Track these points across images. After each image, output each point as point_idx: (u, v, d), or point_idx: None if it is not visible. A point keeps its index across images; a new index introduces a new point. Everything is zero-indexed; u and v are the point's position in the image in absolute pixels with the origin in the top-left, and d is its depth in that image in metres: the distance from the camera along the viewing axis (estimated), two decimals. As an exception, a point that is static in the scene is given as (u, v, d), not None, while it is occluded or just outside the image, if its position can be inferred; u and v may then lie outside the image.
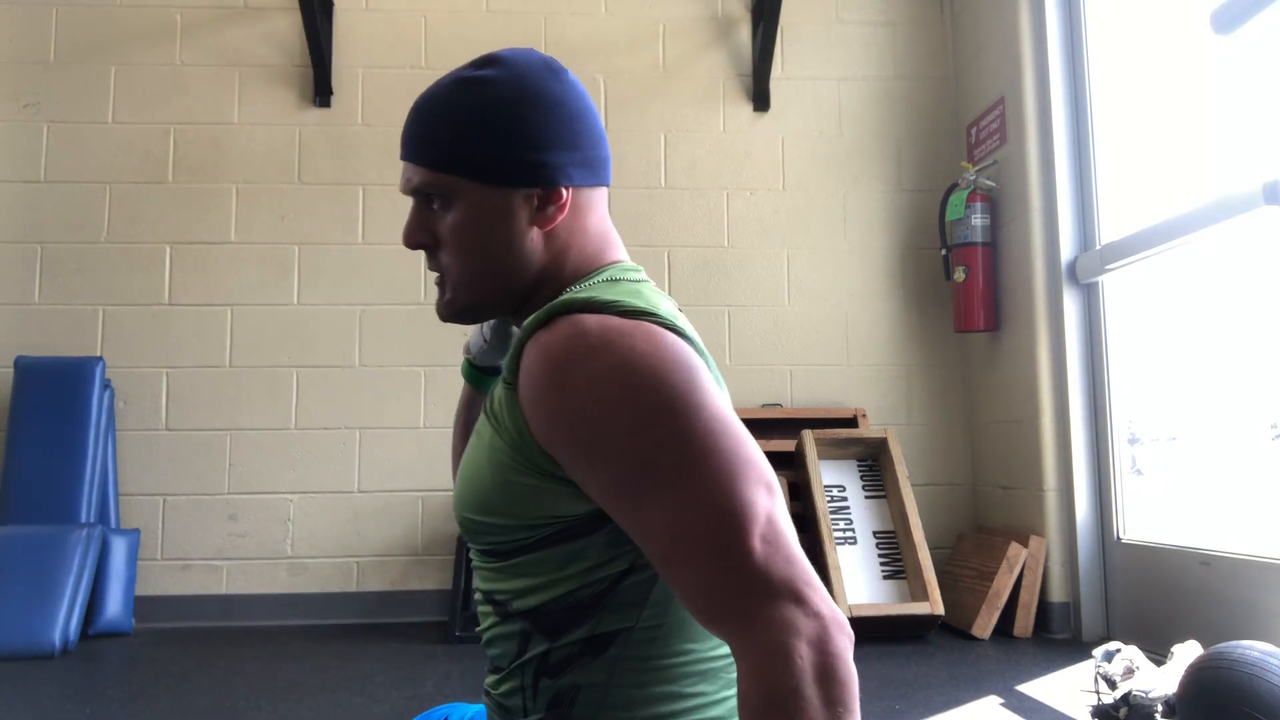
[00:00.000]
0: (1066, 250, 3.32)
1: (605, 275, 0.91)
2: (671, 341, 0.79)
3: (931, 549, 3.44)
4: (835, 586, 3.13)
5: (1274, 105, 2.58)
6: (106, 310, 3.64)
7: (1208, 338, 3.06)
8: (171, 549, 3.57)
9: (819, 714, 0.67)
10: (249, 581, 3.58)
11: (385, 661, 2.91)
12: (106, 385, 3.52)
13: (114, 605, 3.33)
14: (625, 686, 0.83)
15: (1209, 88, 2.96)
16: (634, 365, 0.76)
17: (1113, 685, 2.39)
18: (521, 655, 0.87)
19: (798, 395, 3.85)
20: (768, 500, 0.74)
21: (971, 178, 3.62)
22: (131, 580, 3.40)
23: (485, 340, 1.05)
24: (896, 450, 3.46)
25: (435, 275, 0.95)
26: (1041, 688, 2.57)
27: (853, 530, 3.39)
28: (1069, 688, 2.56)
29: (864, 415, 3.76)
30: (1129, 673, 2.38)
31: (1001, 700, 2.45)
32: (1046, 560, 3.27)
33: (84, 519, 3.34)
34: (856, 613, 3.08)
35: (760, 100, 3.93)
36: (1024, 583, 3.23)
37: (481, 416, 0.91)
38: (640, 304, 0.81)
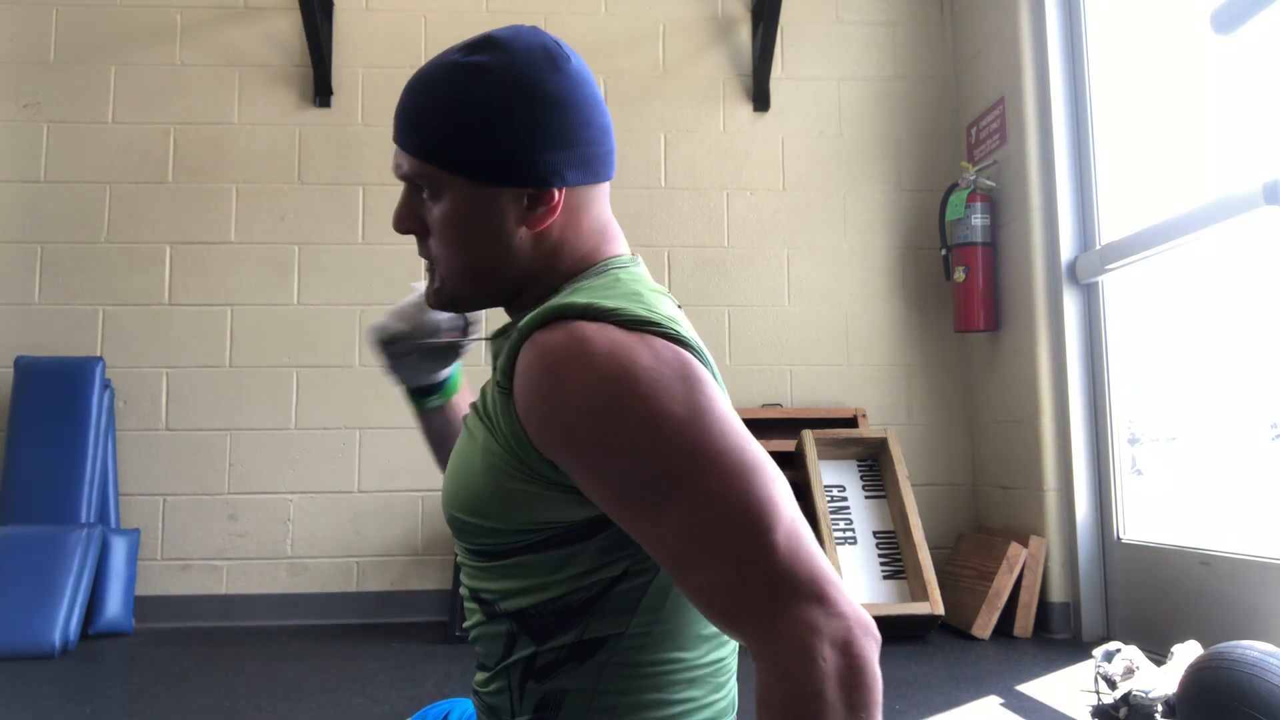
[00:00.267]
0: (1066, 250, 3.32)
1: (602, 274, 0.89)
2: (674, 351, 0.77)
3: (931, 549, 3.44)
4: (835, 586, 3.13)
5: (1274, 105, 2.58)
6: (106, 310, 3.64)
7: (1208, 338, 3.06)
8: (171, 549, 3.57)
9: (840, 713, 0.66)
10: (249, 581, 3.58)
11: (385, 661, 2.91)
12: (106, 385, 3.52)
13: (114, 605, 3.33)
14: (612, 692, 0.82)
15: (1209, 88, 2.96)
16: (636, 374, 0.74)
17: (1113, 685, 2.39)
18: (508, 656, 0.86)
19: (798, 395, 3.85)
20: (787, 499, 0.73)
21: (971, 178, 3.62)
22: (131, 580, 3.40)
23: (399, 361, 1.07)
24: (896, 450, 3.46)
25: (425, 261, 0.93)
26: (1041, 688, 2.57)
27: (853, 530, 3.39)
28: (1069, 688, 2.56)
29: (864, 415, 3.76)
30: (1129, 673, 2.38)
31: (1001, 700, 2.45)
32: (1046, 560, 3.27)
33: (84, 519, 3.34)
34: (856, 613, 3.07)
35: (760, 100, 3.93)
36: (1024, 583, 3.22)
37: (471, 415, 0.89)
38: (642, 312, 0.79)
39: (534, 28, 0.90)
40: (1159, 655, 2.64)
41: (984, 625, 3.17)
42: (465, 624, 0.93)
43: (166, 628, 3.46)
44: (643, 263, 0.96)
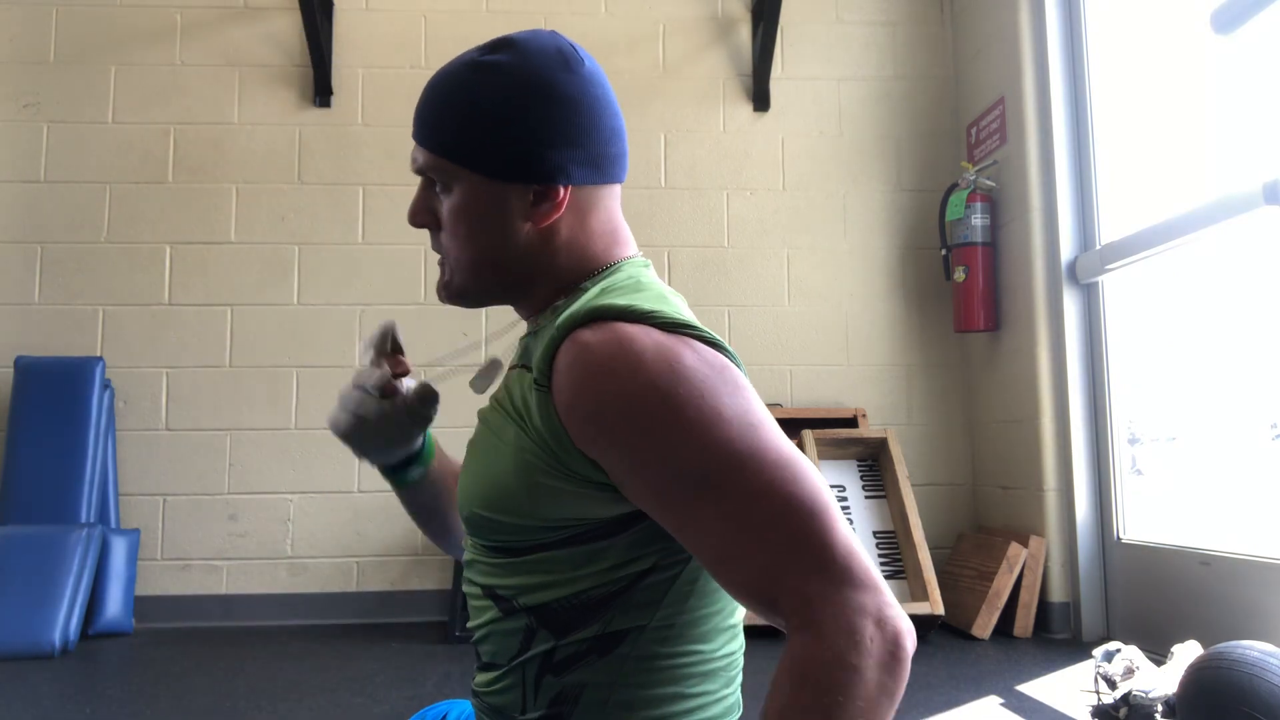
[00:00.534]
0: (1066, 250, 3.32)
1: (624, 276, 0.90)
2: (714, 354, 0.79)
3: (931, 549, 3.44)
4: (835, 586, 3.13)
5: (1274, 105, 2.58)
6: (106, 310, 3.64)
7: (1208, 338, 3.06)
8: (171, 549, 3.57)
9: (871, 694, 0.67)
10: (249, 581, 3.58)
11: (385, 661, 2.91)
12: (106, 385, 3.52)
13: (114, 605, 3.33)
14: (631, 685, 0.82)
15: (1209, 88, 2.96)
16: (683, 374, 0.76)
17: (1113, 685, 2.39)
18: (524, 652, 0.86)
19: (798, 395, 3.85)
20: (833, 498, 0.75)
21: (971, 178, 3.62)
22: (131, 580, 3.40)
23: (371, 442, 1.08)
24: (896, 450, 3.46)
25: (438, 256, 0.95)
26: (1041, 688, 2.57)
27: (853, 530, 3.38)
28: (1069, 688, 2.56)
29: (864, 415, 3.76)
30: (1129, 673, 2.38)
31: (1001, 700, 2.45)
32: (1046, 560, 3.27)
33: (84, 519, 3.34)
34: (856, 613, 3.07)
35: (760, 100, 3.93)
36: (1024, 583, 3.22)
37: (493, 411, 0.90)
38: (679, 317, 0.81)
39: (553, 31, 0.93)
40: (1159, 655, 2.63)
41: (984, 625, 3.17)
42: (471, 622, 0.92)
43: (166, 628, 3.46)
44: (651, 265, 0.97)
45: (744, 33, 3.99)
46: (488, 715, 0.90)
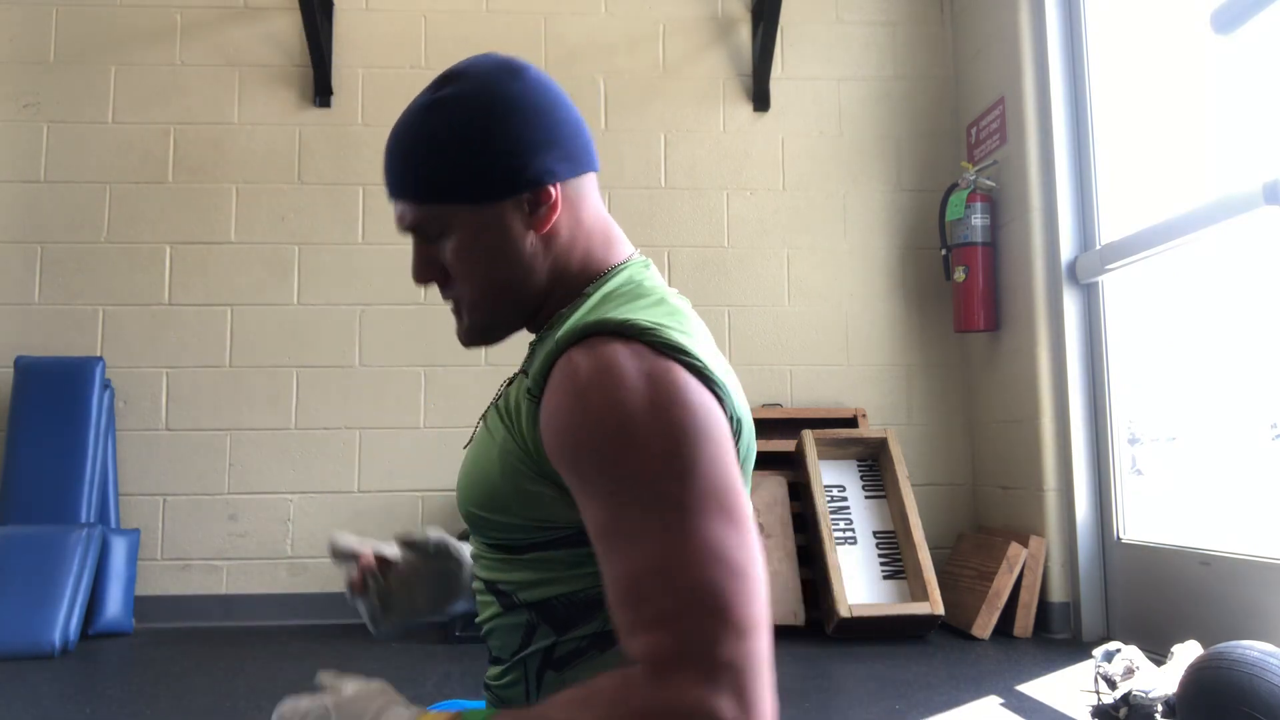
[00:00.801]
0: (1066, 250, 3.32)
1: (624, 280, 0.90)
2: (695, 393, 0.77)
3: (931, 549, 3.44)
4: (835, 586, 3.13)
5: (1274, 105, 2.58)
6: (106, 310, 3.64)
7: (1208, 338, 3.06)
8: (171, 549, 3.57)
9: None
10: (249, 581, 3.58)
11: (385, 661, 2.91)
12: (106, 385, 3.52)
13: (114, 605, 3.33)
14: None
15: (1209, 88, 2.96)
16: (658, 417, 0.74)
17: (1113, 685, 2.39)
18: (525, 648, 0.87)
19: (798, 395, 3.85)
20: (760, 581, 0.72)
21: (971, 178, 3.62)
22: (131, 580, 3.40)
23: (408, 613, 1.04)
24: (896, 450, 3.46)
25: (451, 303, 0.94)
26: (1041, 688, 2.57)
27: (853, 530, 3.39)
28: (1069, 688, 2.56)
29: (864, 415, 3.76)
30: (1129, 673, 2.38)
31: (1001, 700, 2.45)
32: (1046, 560, 3.27)
33: (84, 519, 3.34)
34: (857, 613, 3.08)
35: (760, 100, 3.93)
36: (1024, 583, 3.22)
37: (492, 413, 0.90)
38: (675, 337, 0.80)
39: (489, 53, 0.92)
40: (1159, 655, 2.64)
41: (984, 625, 3.17)
42: (479, 617, 0.93)
43: (166, 628, 3.46)
44: (654, 266, 0.98)
45: (744, 33, 3.99)
46: (498, 707, 0.91)
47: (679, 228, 3.87)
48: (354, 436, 3.67)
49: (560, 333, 0.82)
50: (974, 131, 3.85)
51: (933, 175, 3.96)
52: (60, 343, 3.60)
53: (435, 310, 3.61)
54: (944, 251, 3.72)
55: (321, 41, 3.66)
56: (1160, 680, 2.27)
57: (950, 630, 3.32)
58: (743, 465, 0.86)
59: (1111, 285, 3.25)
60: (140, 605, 3.46)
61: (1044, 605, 3.27)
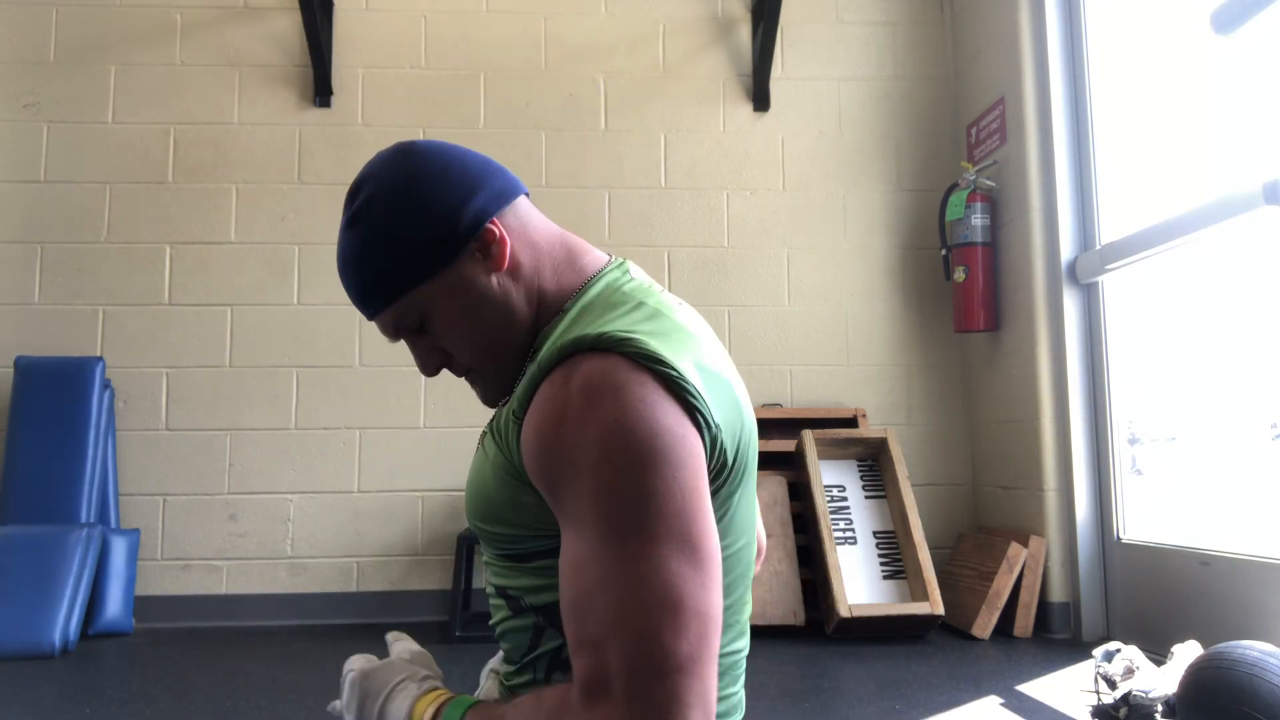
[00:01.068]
0: (1066, 250, 3.32)
1: (600, 289, 0.92)
2: (663, 415, 0.77)
3: (931, 549, 3.44)
4: (835, 586, 3.13)
5: (1274, 105, 2.58)
6: (106, 310, 3.64)
7: (1208, 338, 3.06)
8: (171, 549, 3.57)
9: None
10: (249, 581, 3.58)
11: (385, 661, 2.90)
12: (106, 385, 3.52)
13: (114, 605, 3.33)
14: None
15: (1209, 88, 2.96)
16: (617, 439, 0.75)
17: (1113, 685, 2.39)
18: (534, 649, 0.90)
19: (798, 395, 3.85)
20: (702, 614, 0.73)
21: (971, 178, 3.62)
22: (131, 580, 3.40)
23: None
24: (896, 450, 3.46)
25: (464, 375, 0.97)
26: (1041, 688, 2.57)
27: (853, 530, 3.39)
28: (1069, 688, 2.56)
29: (864, 415, 3.76)
30: (1129, 673, 2.38)
31: (1001, 700, 2.45)
32: (1046, 560, 3.27)
33: (84, 519, 3.34)
34: (856, 613, 3.08)
35: (760, 100, 3.93)
36: (1024, 583, 3.22)
37: (487, 436, 0.93)
38: (651, 345, 0.80)
39: (379, 151, 0.96)
40: (1159, 655, 2.64)
41: (984, 625, 3.17)
42: (491, 621, 0.97)
43: (166, 628, 3.46)
44: (632, 264, 0.98)
45: (744, 33, 3.99)
46: (508, 698, 0.94)
47: (679, 228, 3.87)
48: (354, 436, 3.67)
49: (543, 354, 0.85)
50: (974, 131, 3.85)
51: (933, 175, 3.96)
52: (60, 343, 3.60)
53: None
54: (944, 251, 3.72)
55: (321, 41, 3.66)
56: (1160, 680, 2.27)
57: (950, 630, 3.32)
58: (733, 467, 0.86)
59: (1111, 285, 3.25)
60: (140, 605, 3.46)
61: (1044, 605, 3.27)
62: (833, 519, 3.39)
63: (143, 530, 3.53)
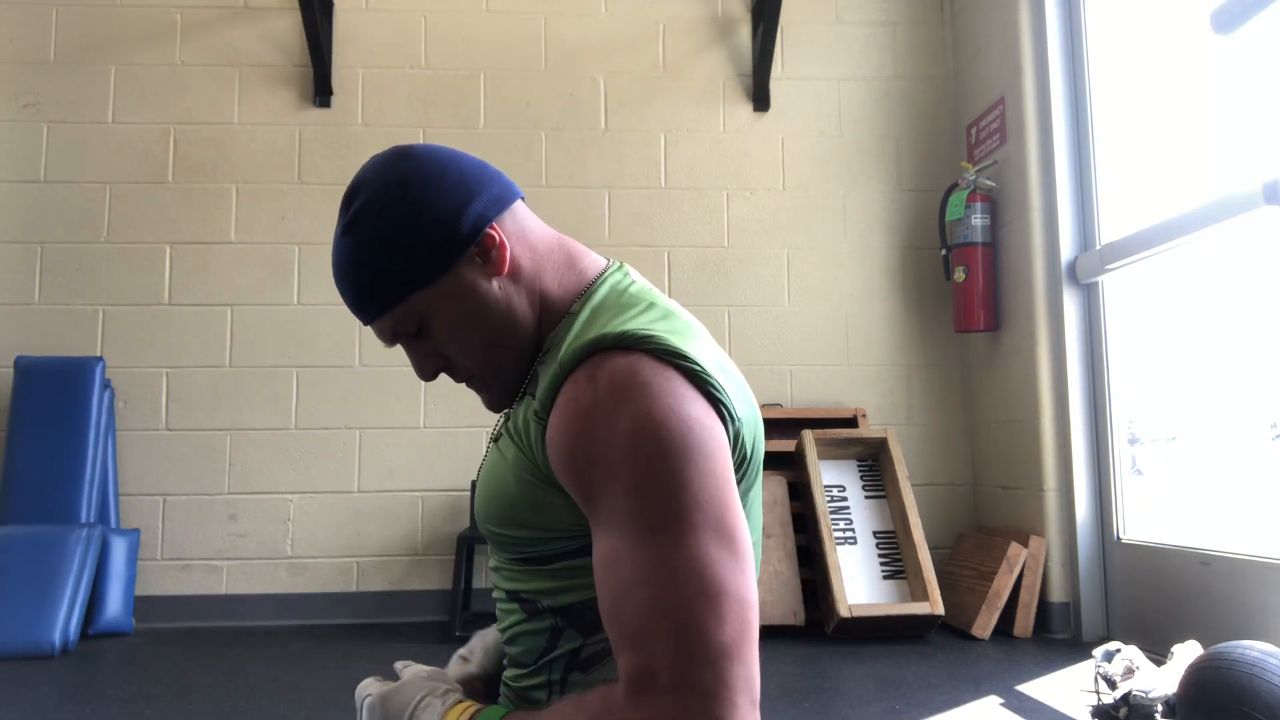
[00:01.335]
0: (1066, 250, 3.32)
1: (607, 292, 0.92)
2: (691, 406, 0.78)
3: (931, 549, 3.44)
4: (835, 586, 3.13)
5: (1274, 105, 2.58)
6: (106, 310, 3.64)
7: (1208, 338, 3.06)
8: (171, 549, 3.57)
9: None
10: (249, 581, 3.58)
11: (385, 662, 2.90)
12: (106, 385, 3.52)
13: (114, 605, 3.33)
14: None
15: (1209, 88, 2.96)
16: (649, 432, 0.76)
17: (1113, 685, 2.39)
18: (550, 651, 0.89)
19: (798, 395, 3.85)
20: (742, 601, 0.73)
21: (971, 178, 3.62)
22: (131, 580, 3.40)
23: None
24: (896, 450, 3.46)
25: (465, 381, 0.96)
26: (1041, 688, 2.57)
27: (853, 530, 3.39)
28: (1069, 688, 2.56)
29: (864, 415, 3.76)
30: (1129, 673, 2.38)
31: (1001, 700, 2.45)
32: (1046, 560, 3.27)
33: (84, 519, 3.34)
34: (856, 613, 3.08)
35: (760, 100, 3.93)
36: (1024, 583, 3.22)
37: (504, 435, 0.93)
38: (673, 342, 0.81)
39: (374, 155, 0.95)
40: (1159, 655, 2.64)
41: (984, 625, 3.17)
42: (499, 625, 0.96)
43: (166, 628, 3.46)
44: (630, 268, 0.99)
45: (744, 33, 3.99)
46: (519, 703, 0.93)
47: (679, 228, 3.87)
48: (354, 436, 3.67)
49: (562, 354, 0.84)
50: (974, 131, 3.85)
51: (933, 175, 3.96)
52: (60, 343, 3.60)
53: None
54: (944, 251, 3.72)
55: (321, 41, 3.66)
56: (1160, 680, 2.27)
57: (950, 630, 3.32)
58: (750, 462, 0.87)
59: (1111, 285, 3.25)
60: (140, 605, 3.46)
61: (1044, 605, 3.27)
62: (833, 519, 3.39)
63: (143, 530, 3.53)
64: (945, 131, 4.01)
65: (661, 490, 0.74)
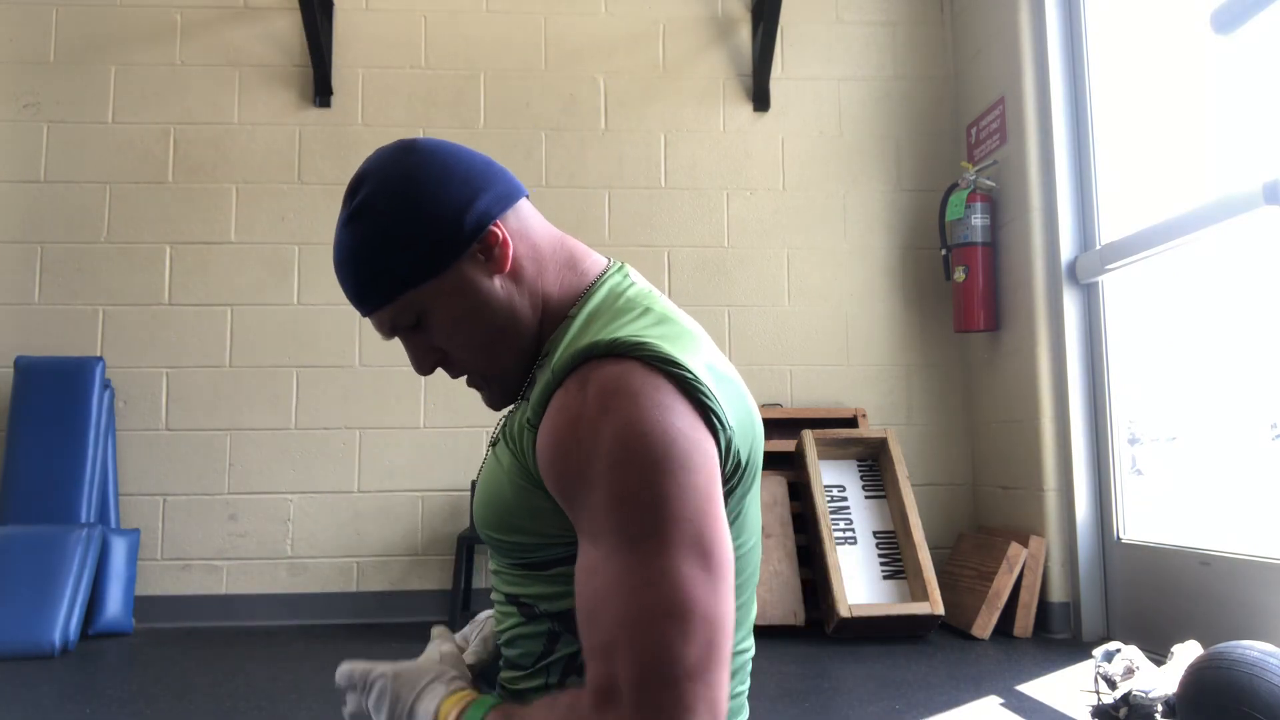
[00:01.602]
0: (1066, 250, 3.32)
1: (605, 294, 0.92)
2: (679, 418, 0.77)
3: (931, 549, 3.44)
4: (835, 586, 3.13)
5: (1274, 105, 2.58)
6: (106, 310, 3.64)
7: (1208, 338, 3.06)
8: (171, 549, 3.57)
9: None
10: (249, 581, 3.58)
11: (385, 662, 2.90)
12: (106, 385, 3.52)
13: (114, 605, 3.33)
14: None
15: (1209, 88, 2.96)
16: (633, 445, 0.75)
17: (1113, 685, 2.39)
18: (548, 655, 0.90)
19: (798, 395, 3.85)
20: (715, 621, 0.72)
21: (971, 178, 3.62)
22: (131, 580, 3.40)
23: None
24: (896, 450, 3.46)
25: (465, 378, 0.96)
26: (1041, 688, 2.57)
27: (853, 530, 3.39)
28: (1069, 688, 2.56)
29: (864, 415, 3.76)
30: (1129, 673, 2.38)
31: (1001, 700, 2.45)
32: (1046, 560, 3.27)
33: (84, 519, 3.34)
34: (857, 612, 3.08)
35: (760, 100, 3.93)
36: (1024, 583, 3.22)
37: (500, 441, 0.93)
38: (666, 349, 0.80)
39: (380, 147, 0.94)
40: (1159, 655, 2.64)
41: (984, 625, 3.17)
42: (497, 627, 0.97)
43: (166, 628, 3.46)
44: (630, 268, 0.99)
45: (744, 33, 3.99)
46: (515, 701, 0.93)
47: (679, 228, 3.87)
48: (354, 436, 3.67)
49: (555, 360, 0.84)
50: (974, 131, 3.85)
51: (933, 175, 3.96)
52: (60, 343, 3.60)
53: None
54: (944, 251, 3.72)
55: (321, 41, 3.66)
56: (1160, 680, 2.27)
57: (950, 630, 3.32)
58: (746, 467, 0.86)
59: (1111, 285, 3.25)
60: (140, 605, 3.46)
61: (1044, 605, 3.27)
62: (833, 519, 3.39)
63: (143, 530, 3.53)
64: (945, 131, 4.01)
65: (640, 504, 0.74)
